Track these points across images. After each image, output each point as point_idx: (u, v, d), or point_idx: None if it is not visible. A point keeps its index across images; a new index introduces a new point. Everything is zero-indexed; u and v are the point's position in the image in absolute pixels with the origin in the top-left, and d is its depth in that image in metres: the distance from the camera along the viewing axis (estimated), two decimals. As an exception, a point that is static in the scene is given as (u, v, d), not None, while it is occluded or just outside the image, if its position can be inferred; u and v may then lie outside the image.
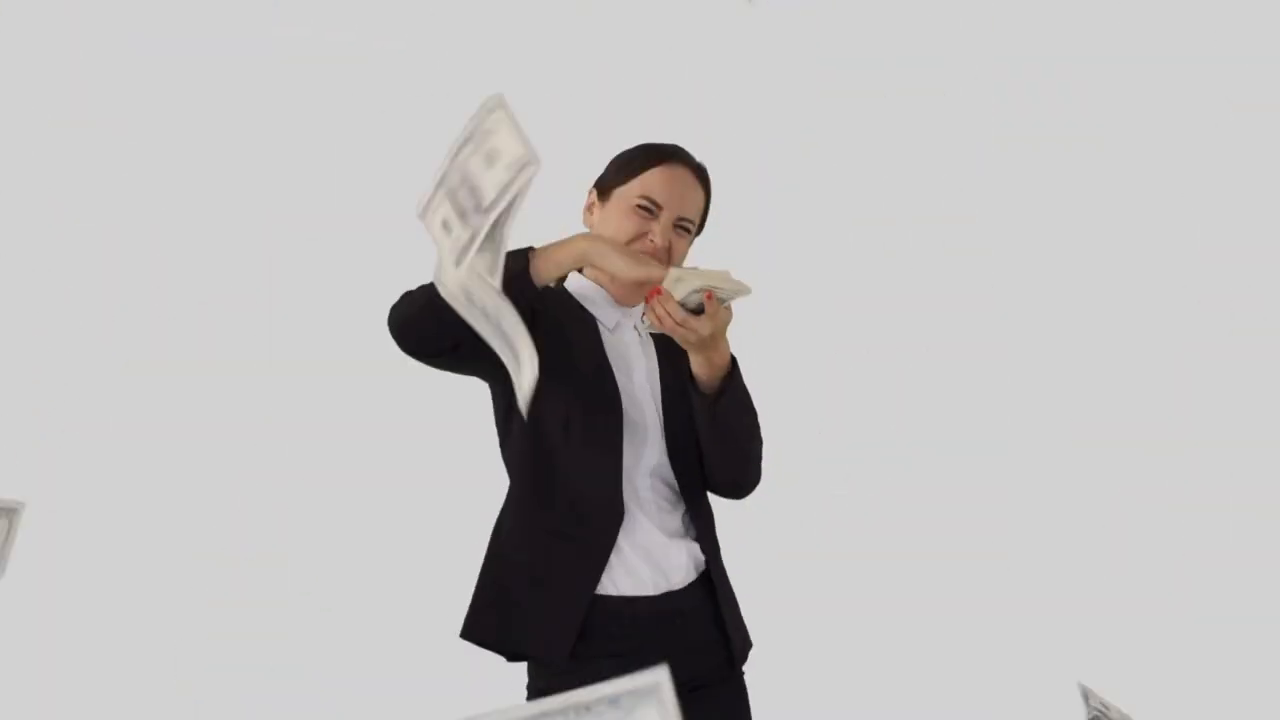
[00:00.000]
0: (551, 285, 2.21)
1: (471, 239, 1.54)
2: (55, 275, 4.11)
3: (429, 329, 2.10)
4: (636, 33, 4.10)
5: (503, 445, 2.32)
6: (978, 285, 4.19)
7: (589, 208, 2.33)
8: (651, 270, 2.14)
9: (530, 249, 2.15)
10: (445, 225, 1.61)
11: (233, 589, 4.03)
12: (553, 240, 2.19)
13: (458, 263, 1.55)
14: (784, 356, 3.69)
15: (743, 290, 2.11)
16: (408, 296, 2.15)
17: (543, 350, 2.19)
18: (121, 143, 4.08)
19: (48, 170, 4.10)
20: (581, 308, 2.32)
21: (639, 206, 2.26)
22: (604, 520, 2.21)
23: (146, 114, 4.12)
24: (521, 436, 2.26)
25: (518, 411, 2.25)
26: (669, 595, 2.24)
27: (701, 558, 2.28)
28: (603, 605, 2.22)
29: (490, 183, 1.52)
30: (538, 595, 2.21)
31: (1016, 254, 4.19)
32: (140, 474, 4.08)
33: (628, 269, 2.14)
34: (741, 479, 2.31)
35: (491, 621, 2.24)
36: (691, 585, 2.26)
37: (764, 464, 2.35)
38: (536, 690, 2.25)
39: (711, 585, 2.29)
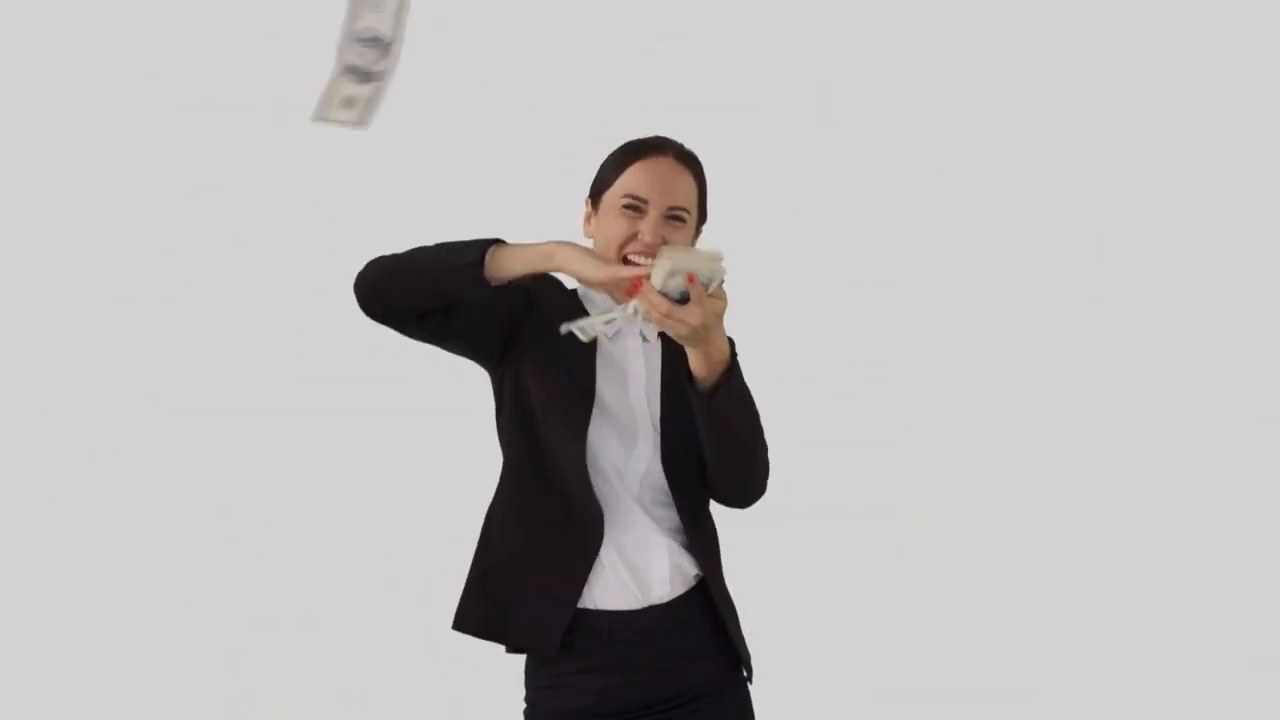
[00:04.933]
0: (510, 283, 2.12)
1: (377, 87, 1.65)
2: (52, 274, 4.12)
3: (395, 293, 2.12)
4: (634, 30, 4.10)
5: (499, 430, 2.30)
6: (977, 286, 4.20)
7: (586, 219, 2.30)
8: (619, 271, 2.07)
9: (494, 241, 2.11)
10: (348, 103, 1.69)
11: (229, 590, 4.05)
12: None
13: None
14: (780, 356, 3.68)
15: (718, 268, 2.03)
16: (374, 262, 2.15)
17: (535, 340, 2.22)
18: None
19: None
20: (583, 309, 2.29)
21: (625, 206, 2.22)
22: (589, 513, 2.18)
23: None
24: (513, 418, 2.25)
25: (508, 391, 2.25)
26: (651, 610, 2.20)
27: (693, 571, 2.24)
28: (583, 620, 2.19)
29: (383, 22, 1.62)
30: (527, 585, 2.19)
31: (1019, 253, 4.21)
32: (137, 472, 4.10)
33: (595, 271, 2.08)
34: (745, 483, 2.23)
35: (482, 611, 2.20)
36: (681, 598, 2.22)
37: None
38: (527, 700, 2.26)
39: (707, 596, 2.24)
